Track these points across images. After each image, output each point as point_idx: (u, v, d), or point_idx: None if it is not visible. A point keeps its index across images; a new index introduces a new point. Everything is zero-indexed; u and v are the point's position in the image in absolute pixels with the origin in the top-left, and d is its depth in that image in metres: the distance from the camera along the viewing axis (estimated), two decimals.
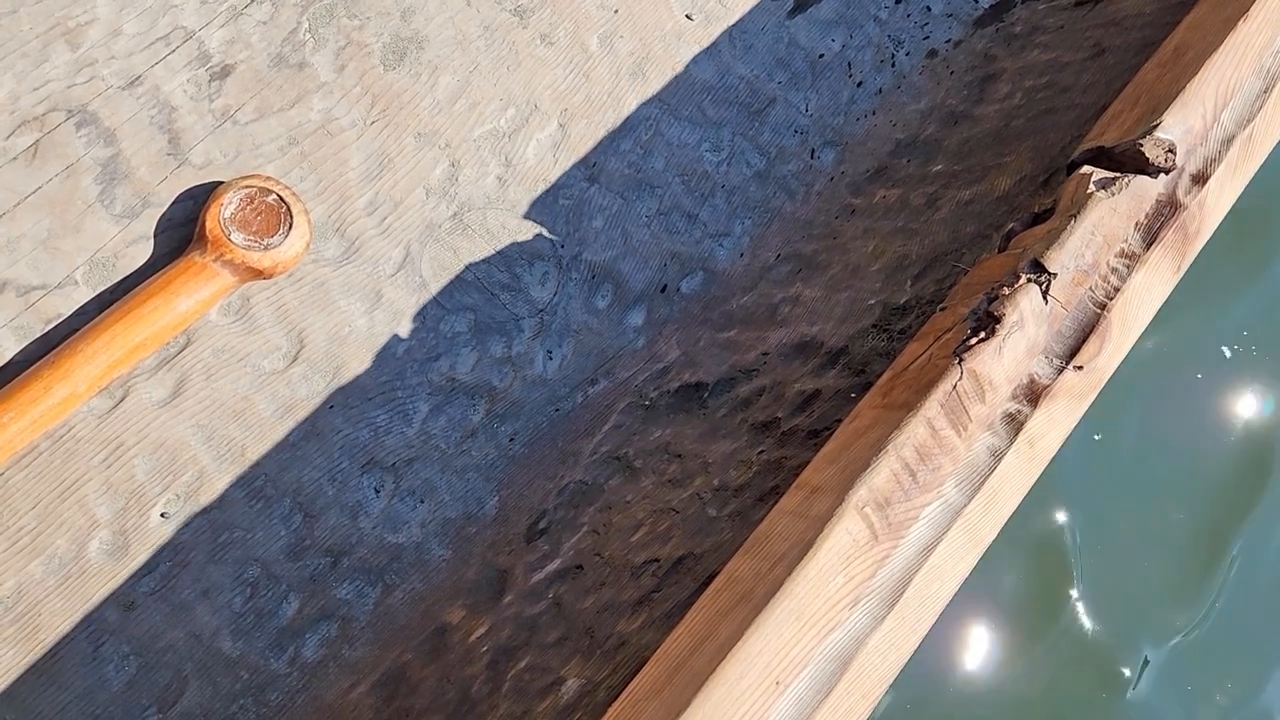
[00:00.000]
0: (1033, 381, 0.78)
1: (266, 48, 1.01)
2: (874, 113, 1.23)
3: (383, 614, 0.94)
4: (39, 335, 0.89)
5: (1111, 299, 0.81)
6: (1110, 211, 0.83)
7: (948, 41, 1.28)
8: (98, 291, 0.91)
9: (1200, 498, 1.75)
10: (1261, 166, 0.91)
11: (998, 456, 0.76)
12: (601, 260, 1.09)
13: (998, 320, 0.77)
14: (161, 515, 0.91)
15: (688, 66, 1.17)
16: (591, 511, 0.98)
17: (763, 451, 0.94)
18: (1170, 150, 0.85)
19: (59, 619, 0.86)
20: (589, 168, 1.10)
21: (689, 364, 1.06)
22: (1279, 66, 0.90)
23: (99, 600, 0.88)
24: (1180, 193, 0.85)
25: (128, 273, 0.93)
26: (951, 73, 1.25)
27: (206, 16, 1.00)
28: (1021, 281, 0.80)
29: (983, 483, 0.74)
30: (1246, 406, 1.80)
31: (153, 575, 0.89)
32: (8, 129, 0.91)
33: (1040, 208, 0.91)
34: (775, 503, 0.78)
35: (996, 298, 0.79)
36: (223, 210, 0.92)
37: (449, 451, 1.00)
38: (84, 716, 0.85)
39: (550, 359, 1.05)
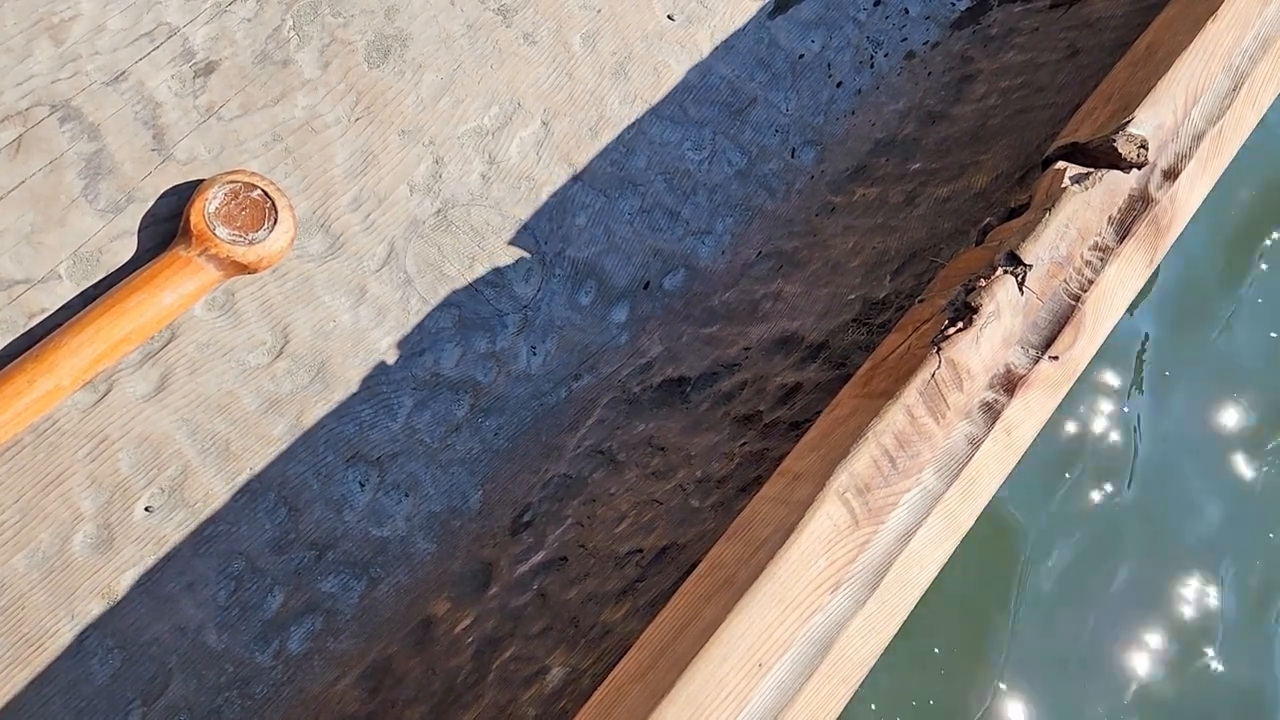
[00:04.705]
0: (1009, 371, 0.80)
1: (251, 44, 1.01)
2: (853, 112, 1.24)
3: (368, 607, 0.94)
4: (23, 330, 0.89)
5: (1086, 290, 0.83)
6: (1084, 205, 0.84)
7: (925, 43, 1.30)
8: (82, 286, 0.92)
9: None
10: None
11: (975, 444, 0.77)
12: (585, 257, 1.10)
13: (975, 311, 0.79)
14: (146, 509, 0.91)
15: (669, 66, 1.18)
16: (575, 504, 0.99)
17: (745, 444, 0.95)
18: (1142, 146, 0.87)
19: (43, 613, 0.86)
20: (572, 165, 1.11)
21: (672, 359, 1.07)
22: (1247, 65, 0.92)
23: (83, 594, 0.88)
24: (1152, 187, 0.87)
25: (112, 267, 0.93)
26: (929, 74, 1.27)
27: (191, 13, 1.00)
28: (998, 273, 0.81)
29: (961, 470, 0.76)
30: None
31: (137, 569, 0.89)
32: None
33: (1016, 203, 0.92)
34: (757, 493, 0.80)
35: (974, 289, 0.81)
36: (207, 205, 0.92)
37: (433, 446, 1.00)
38: (68, 710, 0.85)
39: (534, 354, 1.06)
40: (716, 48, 1.20)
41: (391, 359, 1.01)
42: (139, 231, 0.94)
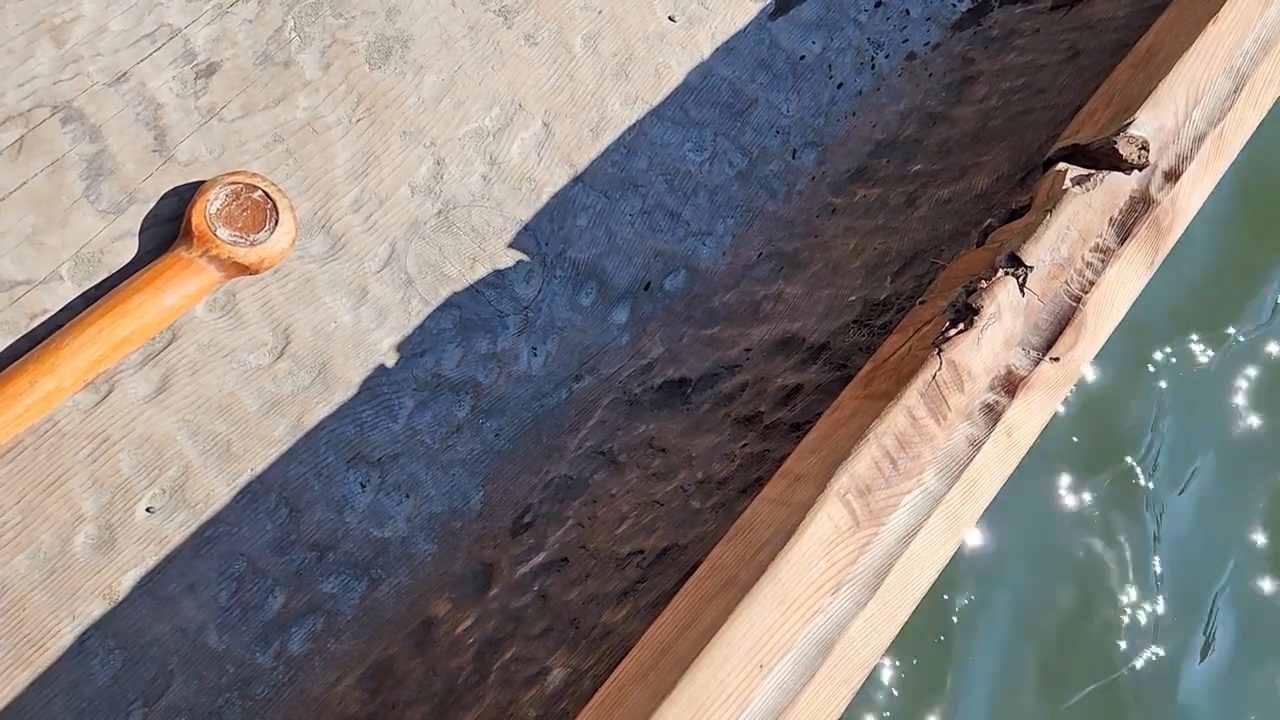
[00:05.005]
0: (1010, 373, 0.80)
1: (252, 45, 1.01)
2: (854, 114, 1.24)
3: (369, 608, 0.94)
4: (24, 331, 0.90)
5: (1086, 292, 0.83)
6: (1085, 207, 0.84)
7: (926, 44, 1.30)
8: (83, 287, 0.92)
9: None
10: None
11: (976, 446, 0.77)
12: (585, 258, 1.10)
13: (976, 312, 0.79)
14: (147, 510, 0.91)
15: (670, 67, 1.18)
16: (576, 505, 0.99)
17: (745, 445, 0.95)
18: (1143, 147, 0.87)
19: (44, 613, 0.86)
20: (573, 167, 1.11)
21: (672, 360, 1.07)
22: (1248, 66, 0.92)
23: (85, 594, 0.88)
24: (1153, 189, 0.87)
25: (113, 268, 0.93)
26: (930, 75, 1.27)
27: (192, 14, 1.00)
28: (999, 274, 0.81)
29: (962, 471, 0.76)
30: None
31: (138, 569, 0.89)
32: None
33: (1017, 204, 0.92)
34: (758, 494, 0.80)
35: (975, 290, 0.81)
36: (209, 206, 0.93)
37: (434, 447, 1.00)
38: (70, 710, 0.85)
39: (535, 355, 1.06)
40: (717, 49, 1.21)
41: (392, 360, 1.01)
42: (140, 232, 0.94)
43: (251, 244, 0.93)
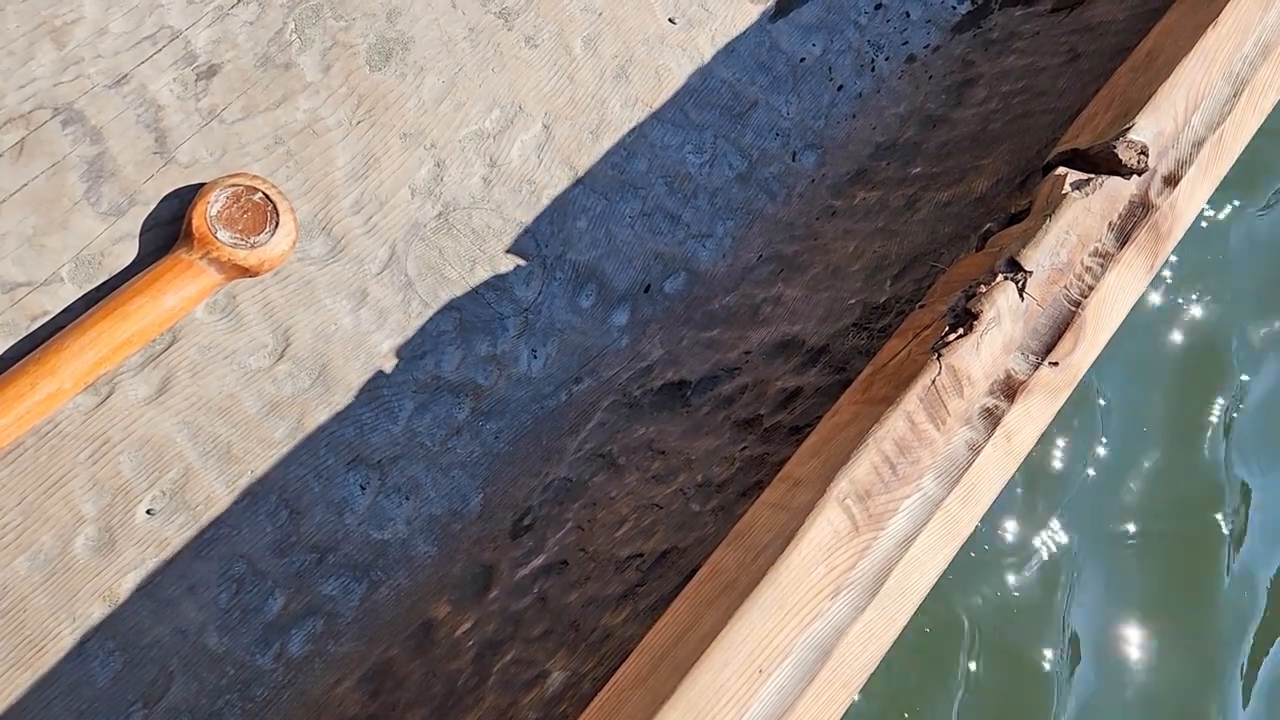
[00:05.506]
0: (1009, 377, 0.80)
1: (253, 48, 1.01)
2: (854, 116, 1.25)
3: (368, 610, 0.94)
4: (25, 333, 0.90)
5: (1086, 297, 0.83)
6: (1085, 211, 0.85)
7: (926, 47, 1.30)
8: (84, 289, 0.92)
9: None
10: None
11: (975, 450, 0.77)
12: (585, 260, 1.10)
13: (975, 317, 0.79)
14: (147, 512, 0.91)
15: (670, 69, 1.18)
16: (576, 508, 0.99)
17: (745, 448, 0.95)
18: (1143, 152, 0.87)
19: (44, 615, 0.87)
20: (573, 169, 1.11)
21: (672, 362, 1.07)
22: (1248, 71, 0.92)
23: (85, 596, 0.88)
24: (1152, 193, 0.87)
25: (114, 270, 0.93)
26: (930, 77, 1.27)
27: (193, 16, 1.00)
28: (998, 279, 0.81)
29: (961, 476, 0.76)
30: None
31: (138, 571, 0.89)
32: None
33: (1017, 208, 0.93)
34: (758, 497, 0.80)
35: (974, 295, 0.81)
36: (209, 208, 0.93)
37: (434, 449, 1.00)
38: (70, 712, 0.86)
39: (535, 358, 1.06)
40: (718, 51, 1.21)
41: (392, 362, 1.01)
42: (141, 234, 0.94)
43: (252, 246, 0.93)
